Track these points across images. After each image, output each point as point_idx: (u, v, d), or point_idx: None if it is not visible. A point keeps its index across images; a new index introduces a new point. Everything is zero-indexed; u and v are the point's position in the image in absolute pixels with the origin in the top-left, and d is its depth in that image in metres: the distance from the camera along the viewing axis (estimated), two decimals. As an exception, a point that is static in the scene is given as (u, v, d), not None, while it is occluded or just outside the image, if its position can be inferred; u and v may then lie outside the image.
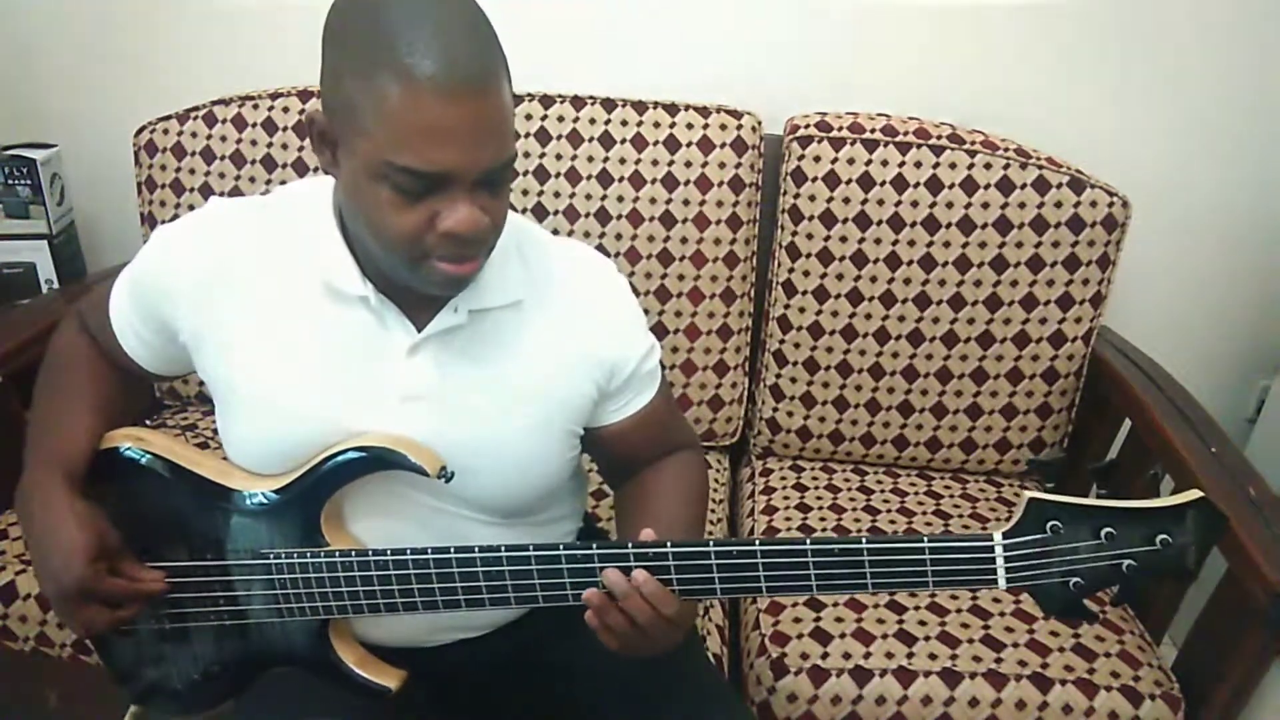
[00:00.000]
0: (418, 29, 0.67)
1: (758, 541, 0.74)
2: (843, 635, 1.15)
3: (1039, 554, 0.70)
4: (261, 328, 0.83)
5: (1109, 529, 0.69)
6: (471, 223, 0.72)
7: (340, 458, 0.81)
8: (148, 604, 0.87)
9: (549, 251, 0.90)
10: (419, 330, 0.83)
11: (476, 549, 0.79)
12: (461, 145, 0.69)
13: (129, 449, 0.88)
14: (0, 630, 1.20)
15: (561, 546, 0.78)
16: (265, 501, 0.85)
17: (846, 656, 1.13)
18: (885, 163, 1.38)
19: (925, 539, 0.71)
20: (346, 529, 0.86)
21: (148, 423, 1.52)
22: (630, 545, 0.77)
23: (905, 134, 1.39)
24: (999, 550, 0.70)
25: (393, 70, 0.67)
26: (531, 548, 0.79)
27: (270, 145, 1.48)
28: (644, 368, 0.91)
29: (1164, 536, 0.68)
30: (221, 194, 1.47)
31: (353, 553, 0.82)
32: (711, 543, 0.75)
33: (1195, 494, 0.69)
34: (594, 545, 0.78)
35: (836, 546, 0.72)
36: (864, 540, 0.72)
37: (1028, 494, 0.70)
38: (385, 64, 0.67)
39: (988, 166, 1.37)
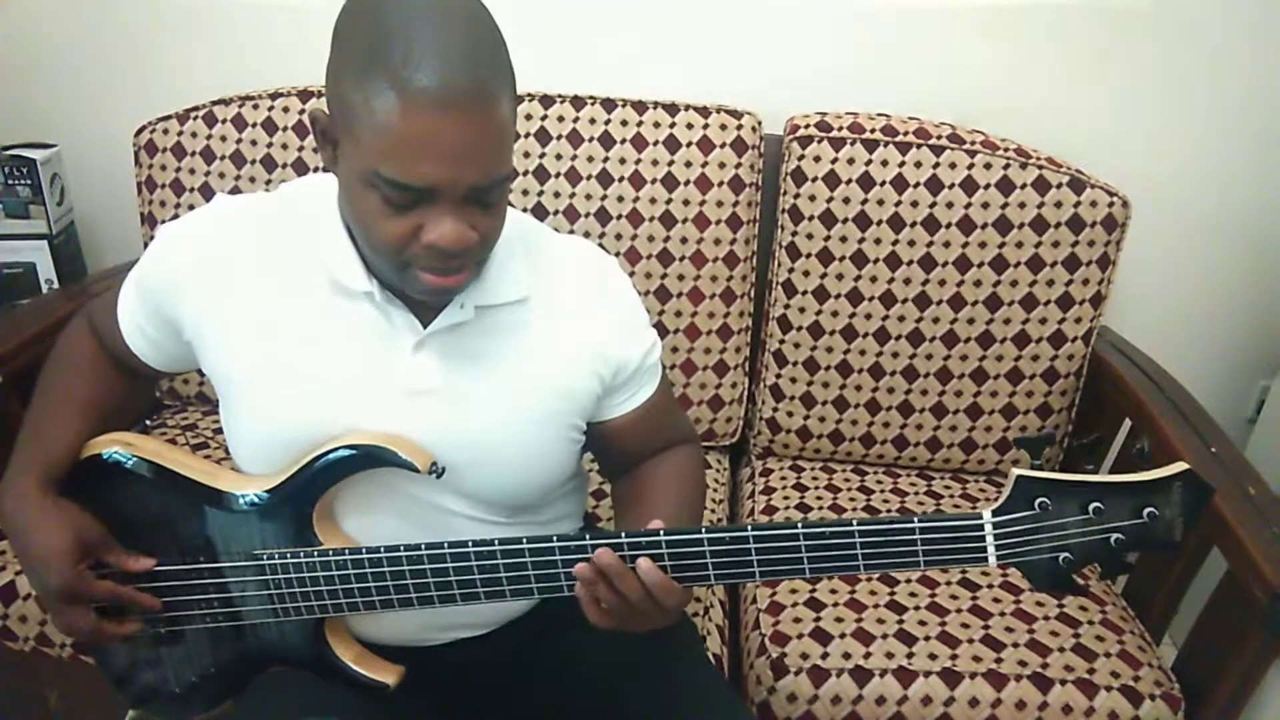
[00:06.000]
0: (414, 38, 0.66)
1: (750, 526, 0.75)
2: (843, 635, 1.15)
3: (1028, 530, 0.70)
4: (266, 323, 0.83)
5: (1097, 504, 0.69)
6: (456, 238, 0.71)
7: (330, 456, 0.81)
8: (138, 618, 0.87)
9: (552, 250, 0.90)
10: (424, 326, 0.83)
11: (470, 543, 0.79)
12: (449, 161, 0.68)
13: (116, 453, 0.88)
14: (0, 630, 1.20)
15: (555, 537, 0.78)
16: (256, 502, 0.84)
17: (846, 656, 1.13)
18: (885, 163, 1.38)
19: (916, 518, 0.71)
20: (340, 527, 0.86)
21: (147, 422, 1.52)
22: (624, 535, 0.77)
23: (905, 134, 1.39)
24: (988, 528, 0.71)
25: (386, 79, 0.66)
26: (525, 540, 0.79)
27: (270, 145, 1.48)
28: (646, 363, 0.91)
29: (1151, 509, 0.68)
30: (221, 194, 1.47)
31: (346, 551, 0.82)
32: (704, 529, 0.76)
33: (1181, 466, 0.68)
34: (587, 535, 0.78)
35: (828, 529, 0.72)
36: (855, 522, 0.72)
37: (1016, 471, 0.70)
38: (379, 72, 0.66)
39: (988, 166, 1.37)
